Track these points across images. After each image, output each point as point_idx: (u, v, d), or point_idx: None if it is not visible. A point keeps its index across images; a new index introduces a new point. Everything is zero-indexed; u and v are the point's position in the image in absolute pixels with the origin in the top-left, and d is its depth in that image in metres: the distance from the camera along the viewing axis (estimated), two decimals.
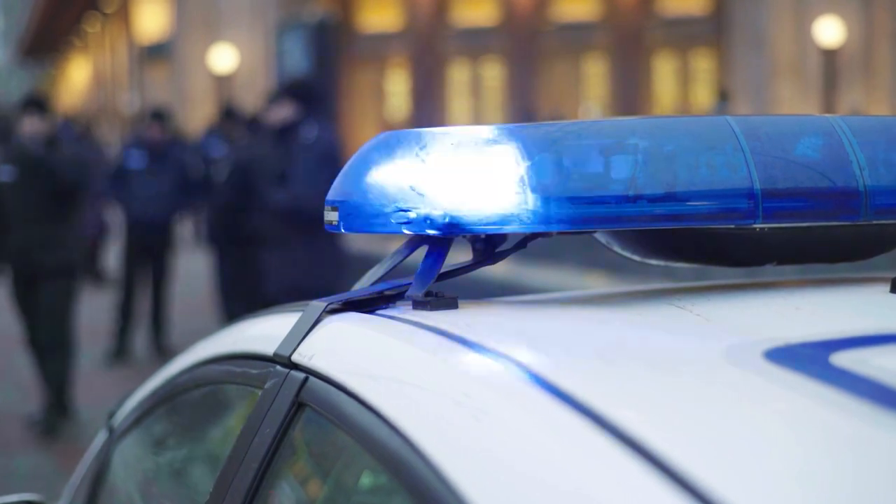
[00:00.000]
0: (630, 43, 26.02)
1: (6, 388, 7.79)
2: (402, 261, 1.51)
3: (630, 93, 25.90)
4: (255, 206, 6.66)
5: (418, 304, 1.43)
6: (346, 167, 1.47)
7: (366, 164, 1.43)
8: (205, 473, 1.94)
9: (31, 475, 5.86)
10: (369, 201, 1.41)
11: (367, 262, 1.77)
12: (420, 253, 1.48)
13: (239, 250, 7.57)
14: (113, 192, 8.90)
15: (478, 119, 25.66)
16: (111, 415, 2.27)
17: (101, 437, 2.30)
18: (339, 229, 1.46)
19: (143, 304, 8.79)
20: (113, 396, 4.02)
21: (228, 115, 10.55)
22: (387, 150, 1.42)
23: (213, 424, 2.05)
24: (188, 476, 2.09)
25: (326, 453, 1.49)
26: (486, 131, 1.38)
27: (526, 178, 1.34)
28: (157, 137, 8.75)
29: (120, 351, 8.56)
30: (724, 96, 17.23)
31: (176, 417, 2.10)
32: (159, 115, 9.10)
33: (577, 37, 26.49)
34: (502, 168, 1.34)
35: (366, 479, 1.41)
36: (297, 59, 14.89)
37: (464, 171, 1.36)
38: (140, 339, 8.87)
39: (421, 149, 1.38)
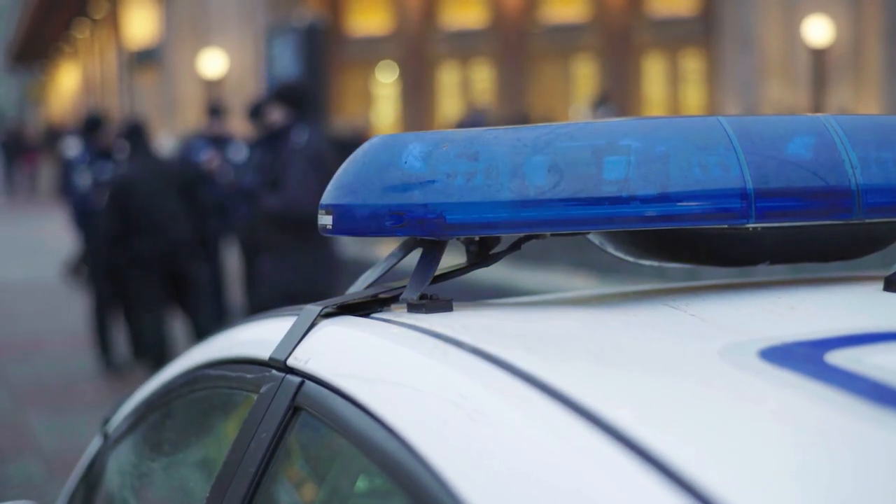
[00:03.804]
0: (619, 44, 26.03)
1: None
2: (396, 264, 1.51)
3: (619, 94, 25.90)
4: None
5: (413, 307, 1.43)
6: (339, 170, 1.47)
7: (360, 168, 1.43)
8: (201, 479, 1.94)
9: (25, 482, 5.84)
10: (363, 204, 1.41)
11: (362, 266, 1.77)
12: (414, 256, 1.48)
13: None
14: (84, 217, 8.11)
15: None
16: (106, 421, 2.27)
17: (95, 444, 2.30)
18: (334, 233, 1.46)
19: (118, 312, 8.36)
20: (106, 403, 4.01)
21: (214, 112, 9.61)
22: (380, 153, 1.42)
23: (208, 430, 2.05)
24: (184, 482, 2.09)
25: (323, 457, 1.49)
26: (479, 133, 1.38)
27: (520, 179, 1.34)
28: (103, 144, 8.13)
29: (110, 360, 8.40)
30: (603, 99, 16.79)
31: (171, 423, 2.09)
32: (96, 121, 8.39)
33: (567, 38, 26.50)
34: (496, 170, 1.35)
35: (363, 483, 1.41)
36: (287, 64, 14.86)
37: (457, 173, 1.36)
38: (123, 346, 8.71)
39: (414, 151, 1.39)
